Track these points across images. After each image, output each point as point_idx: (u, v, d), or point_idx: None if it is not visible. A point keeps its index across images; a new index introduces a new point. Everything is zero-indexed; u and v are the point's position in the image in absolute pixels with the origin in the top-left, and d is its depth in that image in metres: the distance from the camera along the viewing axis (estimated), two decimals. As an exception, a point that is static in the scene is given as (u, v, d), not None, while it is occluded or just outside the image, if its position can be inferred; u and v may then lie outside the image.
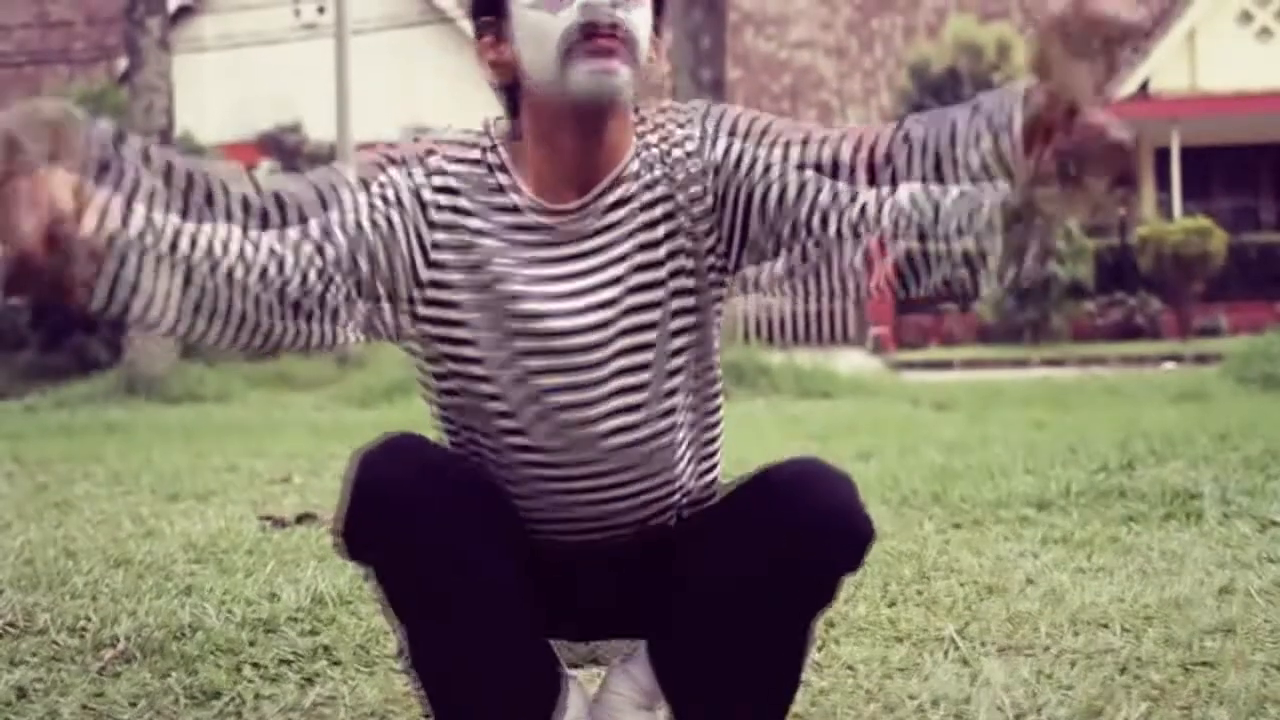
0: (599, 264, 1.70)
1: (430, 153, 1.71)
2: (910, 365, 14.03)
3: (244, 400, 12.08)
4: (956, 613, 2.84)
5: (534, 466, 1.71)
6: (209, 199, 1.56)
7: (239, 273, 1.54)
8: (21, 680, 2.38)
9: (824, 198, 1.65)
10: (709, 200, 1.71)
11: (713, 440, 1.83)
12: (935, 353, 15.25)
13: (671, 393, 1.74)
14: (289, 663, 2.54)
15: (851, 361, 13.00)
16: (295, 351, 1.67)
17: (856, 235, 1.64)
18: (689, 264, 1.73)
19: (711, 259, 1.73)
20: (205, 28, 18.85)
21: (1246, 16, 20.29)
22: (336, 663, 2.54)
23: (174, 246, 1.50)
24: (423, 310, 1.69)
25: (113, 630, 2.67)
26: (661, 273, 1.71)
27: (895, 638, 2.67)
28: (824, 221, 1.65)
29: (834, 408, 9.44)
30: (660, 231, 1.71)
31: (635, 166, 1.72)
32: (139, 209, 1.48)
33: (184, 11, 18.79)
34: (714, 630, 1.68)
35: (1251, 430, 5.63)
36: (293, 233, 1.61)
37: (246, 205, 1.59)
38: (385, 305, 1.68)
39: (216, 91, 18.10)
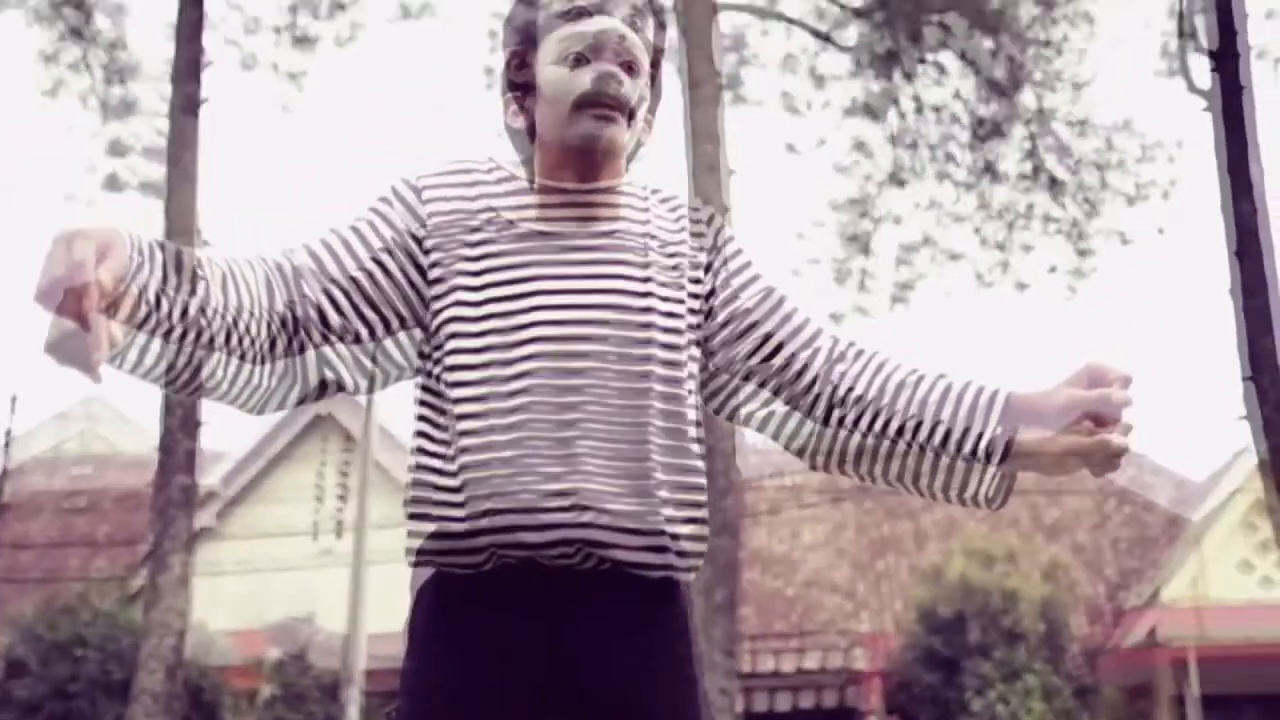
0: (587, 259, 1.96)
1: (426, 186, 2.01)
2: None
3: None
4: None
5: (527, 410, 1.89)
6: (225, 284, 1.84)
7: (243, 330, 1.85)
8: None
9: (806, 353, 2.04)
10: (706, 285, 2.04)
11: (693, 487, 1.97)
12: None
13: (645, 376, 1.93)
14: None
15: None
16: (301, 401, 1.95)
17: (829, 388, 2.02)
18: (665, 303, 1.97)
19: (691, 322, 2.01)
20: (224, 553, 19.26)
21: (1247, 565, 20.58)
22: None
23: (185, 320, 1.79)
24: (434, 321, 1.95)
25: None
26: (640, 287, 1.96)
27: None
28: (800, 369, 2.03)
29: None
30: (646, 259, 1.99)
31: (630, 214, 2.02)
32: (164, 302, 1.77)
33: (204, 532, 19.26)
34: None
35: None
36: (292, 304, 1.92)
37: (266, 282, 1.90)
38: (400, 335, 1.96)
39: (231, 613, 18.23)
